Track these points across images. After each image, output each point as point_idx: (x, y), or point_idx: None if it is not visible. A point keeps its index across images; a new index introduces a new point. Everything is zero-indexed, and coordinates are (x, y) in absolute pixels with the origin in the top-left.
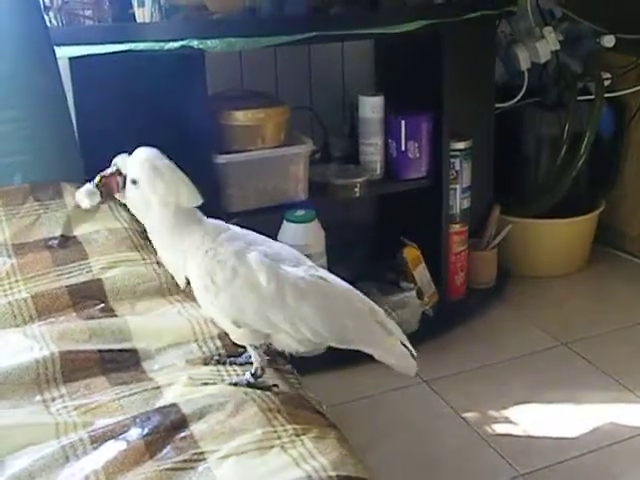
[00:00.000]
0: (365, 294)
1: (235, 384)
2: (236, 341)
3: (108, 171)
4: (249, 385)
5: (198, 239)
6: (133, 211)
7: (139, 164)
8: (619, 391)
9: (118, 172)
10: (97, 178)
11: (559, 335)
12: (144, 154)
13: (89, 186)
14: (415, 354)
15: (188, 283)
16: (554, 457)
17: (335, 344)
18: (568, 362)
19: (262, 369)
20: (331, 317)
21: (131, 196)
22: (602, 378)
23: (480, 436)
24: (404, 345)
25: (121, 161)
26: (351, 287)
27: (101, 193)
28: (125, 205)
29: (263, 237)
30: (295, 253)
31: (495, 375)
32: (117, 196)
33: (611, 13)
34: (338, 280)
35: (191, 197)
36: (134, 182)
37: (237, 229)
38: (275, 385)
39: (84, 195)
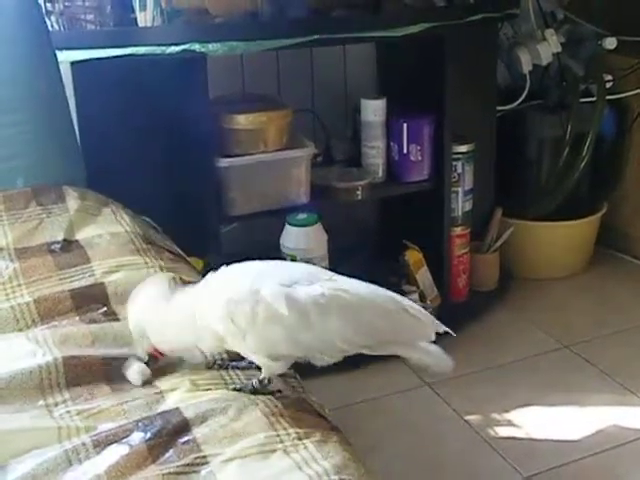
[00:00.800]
0: None
1: (240, 389)
2: (276, 373)
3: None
4: (253, 391)
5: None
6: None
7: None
8: (622, 393)
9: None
10: (146, 357)
11: (561, 338)
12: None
13: (140, 365)
14: (450, 331)
15: None
16: (557, 460)
17: (372, 350)
18: (571, 365)
19: (269, 380)
20: (361, 323)
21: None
22: (605, 380)
23: (483, 439)
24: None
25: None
26: (373, 287)
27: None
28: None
29: (273, 262)
30: (309, 269)
31: (498, 378)
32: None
33: (613, 15)
34: (358, 284)
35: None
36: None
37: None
38: (279, 391)
39: (138, 375)
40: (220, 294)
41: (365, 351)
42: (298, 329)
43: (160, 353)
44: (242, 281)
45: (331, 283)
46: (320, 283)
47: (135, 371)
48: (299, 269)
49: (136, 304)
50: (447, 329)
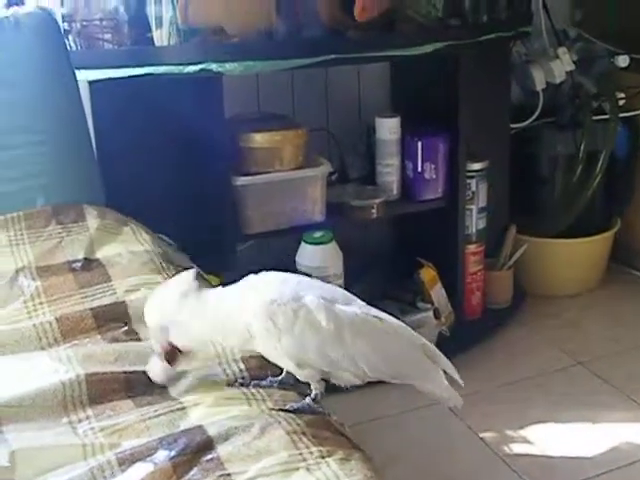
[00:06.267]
0: None
1: (297, 410)
2: (303, 380)
3: (161, 348)
4: (310, 409)
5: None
6: (198, 347)
7: (148, 323)
8: (637, 410)
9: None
10: (163, 354)
11: (576, 354)
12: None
13: (161, 364)
14: (462, 383)
15: None
16: (572, 477)
17: (390, 379)
18: (585, 381)
19: (322, 394)
20: (387, 353)
21: (176, 337)
22: (619, 397)
23: (498, 456)
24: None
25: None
26: (402, 323)
27: (169, 361)
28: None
29: (304, 277)
30: (344, 292)
31: (512, 395)
32: (182, 360)
33: (625, 33)
34: (390, 317)
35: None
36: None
37: (269, 275)
38: (329, 414)
39: (161, 373)
40: (262, 294)
41: (384, 379)
42: (331, 342)
43: (176, 348)
44: (285, 287)
45: (366, 308)
46: (356, 305)
47: (159, 369)
48: (336, 289)
49: (159, 297)
50: (459, 380)
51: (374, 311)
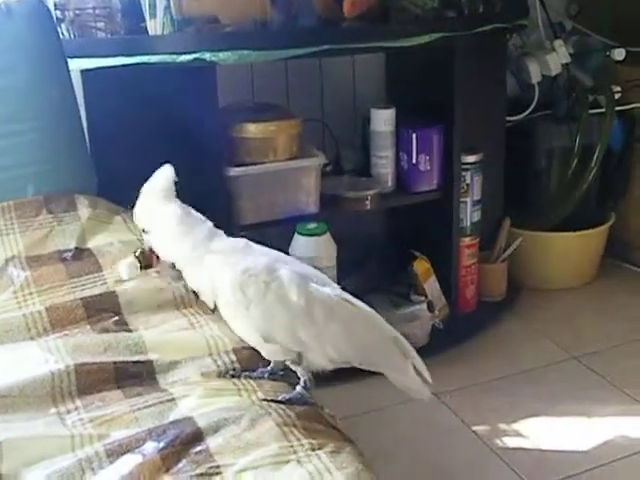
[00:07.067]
0: (376, 307)
1: (289, 400)
2: (265, 356)
3: (146, 247)
4: (302, 399)
5: (218, 255)
6: (166, 258)
7: (136, 217)
8: (630, 404)
9: (149, 248)
10: (137, 251)
11: (569, 348)
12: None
13: (130, 259)
14: (430, 381)
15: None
16: (566, 471)
17: (357, 365)
18: (579, 375)
19: (310, 380)
20: (356, 338)
21: (154, 244)
22: (613, 391)
23: (491, 450)
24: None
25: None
26: (375, 313)
27: (141, 265)
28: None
29: (286, 256)
30: (320, 274)
31: (506, 388)
32: (156, 268)
33: (621, 26)
34: (362, 303)
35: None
36: (145, 232)
37: (255, 245)
38: (321, 407)
39: (125, 268)
40: (237, 262)
41: (353, 364)
42: (301, 320)
43: (156, 256)
44: (262, 258)
45: (339, 291)
46: (330, 287)
47: (125, 264)
48: (313, 270)
49: (143, 198)
50: (428, 377)
51: (348, 296)
